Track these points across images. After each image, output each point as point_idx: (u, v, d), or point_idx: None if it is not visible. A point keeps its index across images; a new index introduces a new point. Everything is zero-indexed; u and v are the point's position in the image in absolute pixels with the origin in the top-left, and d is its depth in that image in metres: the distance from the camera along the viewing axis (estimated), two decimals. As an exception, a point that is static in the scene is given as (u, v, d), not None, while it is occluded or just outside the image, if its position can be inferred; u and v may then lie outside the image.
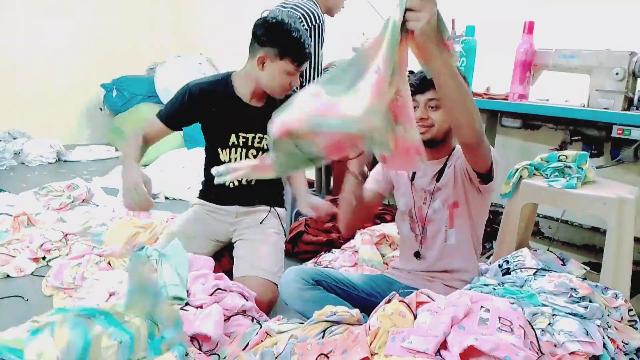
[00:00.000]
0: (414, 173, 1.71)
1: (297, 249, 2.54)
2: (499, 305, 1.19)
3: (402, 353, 1.14)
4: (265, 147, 2.03)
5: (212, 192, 2.13)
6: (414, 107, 1.59)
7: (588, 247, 2.55)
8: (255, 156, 2.04)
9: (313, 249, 2.50)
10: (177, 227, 2.11)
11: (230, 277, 1.88)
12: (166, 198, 3.45)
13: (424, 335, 1.15)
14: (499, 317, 1.16)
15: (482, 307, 1.18)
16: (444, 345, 1.13)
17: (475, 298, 1.22)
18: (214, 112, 2.00)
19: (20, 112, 4.80)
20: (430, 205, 1.68)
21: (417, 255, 1.73)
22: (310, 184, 3.65)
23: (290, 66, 1.86)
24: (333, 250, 2.43)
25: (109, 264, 2.13)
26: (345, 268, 2.18)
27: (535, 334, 1.23)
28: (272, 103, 1.96)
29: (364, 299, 1.72)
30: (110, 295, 1.60)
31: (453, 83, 1.19)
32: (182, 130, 2.16)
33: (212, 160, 2.08)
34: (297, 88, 2.70)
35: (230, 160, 2.05)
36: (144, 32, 5.47)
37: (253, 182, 2.08)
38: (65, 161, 4.49)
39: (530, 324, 1.26)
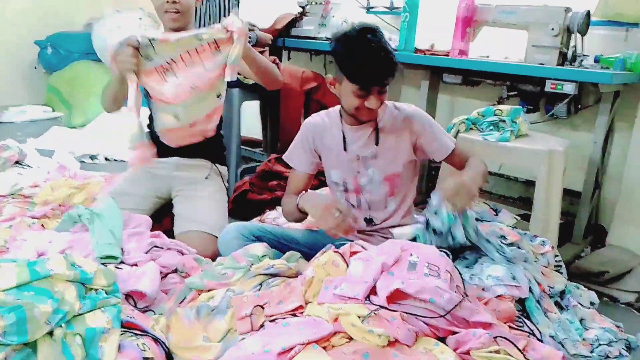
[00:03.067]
0: (345, 137, 1.68)
1: (242, 208, 2.53)
2: (427, 252, 1.22)
3: (333, 300, 1.16)
4: None
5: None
6: (361, 95, 1.52)
7: (523, 199, 2.66)
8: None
9: (257, 207, 2.49)
10: (118, 185, 2.06)
11: (174, 236, 1.86)
12: (106, 159, 3.34)
13: (355, 282, 1.17)
14: (427, 263, 1.19)
15: (411, 254, 1.21)
16: (373, 291, 1.15)
17: (405, 247, 1.25)
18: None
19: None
20: (366, 174, 1.68)
21: (367, 220, 1.74)
22: (258, 143, 3.61)
23: None
24: (277, 207, 2.42)
25: (42, 226, 2.04)
26: (288, 225, 2.18)
27: (462, 279, 1.28)
28: None
29: (306, 253, 1.73)
30: (39, 255, 1.54)
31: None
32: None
33: (151, 109, 2.03)
34: None
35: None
36: (79, -15, 5.14)
37: None
38: (-2, 122, 4.24)
39: (457, 269, 1.30)
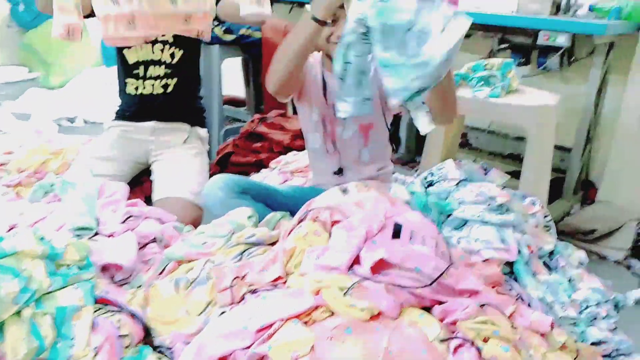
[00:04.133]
0: (325, 84, 1.60)
1: (226, 170, 2.46)
2: (411, 219, 1.17)
3: (316, 270, 1.11)
4: (169, 38, 1.89)
5: (127, 109, 2.00)
6: (332, 21, 1.43)
7: (513, 156, 2.61)
8: (161, 51, 1.90)
9: (242, 170, 2.42)
10: (91, 151, 1.98)
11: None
12: (85, 122, 3.23)
13: (338, 251, 1.12)
14: (412, 230, 1.14)
15: (395, 222, 1.16)
16: (357, 260, 1.11)
17: (389, 213, 1.20)
18: None
19: None
20: (341, 122, 1.61)
21: (335, 172, 1.68)
22: (242, 103, 3.51)
23: None
24: (262, 170, 2.36)
25: (17, 194, 1.97)
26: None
27: (448, 244, 1.23)
28: None
29: (293, 207, 1.67)
30: (10, 229, 1.48)
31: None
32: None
33: (122, 68, 1.95)
34: None
35: (137, 59, 1.90)
36: None
37: (170, 92, 1.95)
38: (-29, 85, 4.09)
39: (441, 235, 1.26)
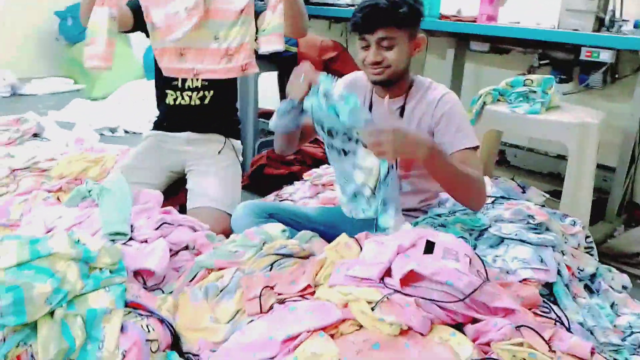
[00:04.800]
0: (371, 109, 1.57)
1: (259, 183, 2.48)
2: (444, 239, 1.13)
3: (345, 282, 1.09)
4: None
5: (164, 119, 2.05)
6: (365, 47, 1.45)
7: (553, 175, 2.53)
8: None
9: (274, 182, 2.43)
10: (129, 159, 2.04)
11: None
12: (125, 132, 3.31)
13: (369, 264, 1.10)
14: (445, 248, 1.11)
15: (428, 239, 1.13)
16: (388, 273, 1.08)
17: (422, 233, 1.17)
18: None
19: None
20: None
21: None
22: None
23: None
24: (295, 182, 2.36)
25: (58, 199, 2.03)
26: (304, 200, 2.12)
27: (484, 264, 1.19)
28: None
29: (321, 232, 1.66)
30: (48, 231, 1.52)
31: (457, 184, 1.35)
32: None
33: (160, 79, 2.01)
34: None
35: (178, 88, 1.96)
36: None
37: (206, 103, 1.99)
38: (20, 95, 4.26)
39: (478, 255, 1.22)
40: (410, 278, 1.03)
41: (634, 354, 1.38)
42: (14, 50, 4.69)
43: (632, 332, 1.44)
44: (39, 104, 3.89)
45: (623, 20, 2.06)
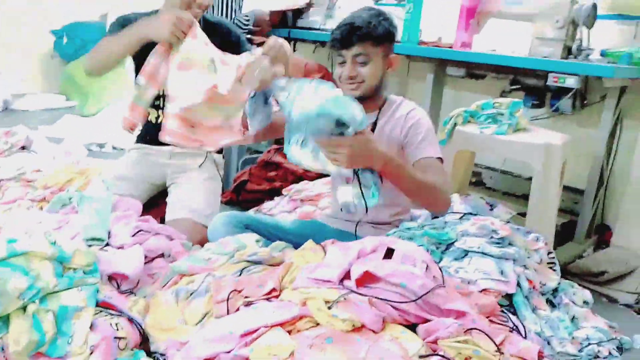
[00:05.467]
0: None
1: (241, 197, 2.54)
2: (404, 246, 1.20)
3: (308, 284, 1.15)
4: None
5: (147, 132, 2.10)
6: (341, 63, 1.56)
7: (526, 196, 2.60)
8: None
9: (256, 197, 2.49)
10: (112, 171, 2.09)
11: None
12: (114, 148, 3.37)
13: (331, 266, 1.16)
14: (404, 255, 1.17)
15: (388, 247, 1.20)
16: (348, 276, 1.14)
17: (384, 241, 1.23)
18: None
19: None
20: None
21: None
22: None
23: None
24: (275, 198, 2.42)
25: (41, 209, 2.07)
26: (283, 214, 2.18)
27: (442, 272, 1.25)
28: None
29: (295, 243, 1.72)
30: (28, 235, 1.57)
31: (417, 190, 1.42)
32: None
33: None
34: (242, 22, 2.63)
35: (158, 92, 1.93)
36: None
37: None
38: (12, 110, 4.33)
39: (438, 262, 1.28)
40: (367, 279, 1.09)
41: (589, 364, 1.44)
42: (9, 68, 4.77)
43: (589, 344, 1.50)
44: (32, 119, 3.95)
45: (589, 49, 2.17)
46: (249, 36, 2.80)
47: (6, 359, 1.04)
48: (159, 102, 2.02)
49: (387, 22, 1.55)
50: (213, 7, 2.75)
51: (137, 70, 1.98)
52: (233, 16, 2.60)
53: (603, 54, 2.16)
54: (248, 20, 2.82)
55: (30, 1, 4.83)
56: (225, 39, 1.94)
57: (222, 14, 2.71)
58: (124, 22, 1.92)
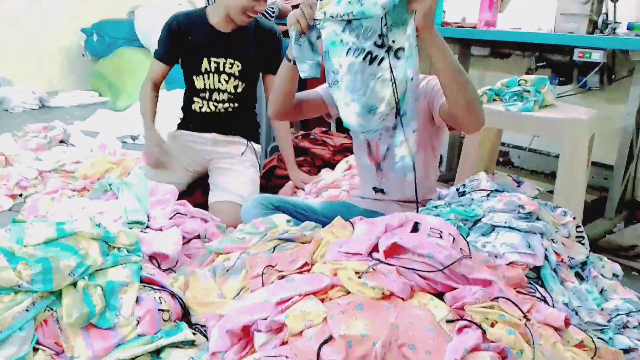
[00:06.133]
0: None
1: (270, 183, 2.60)
2: (430, 220, 1.23)
3: (338, 257, 1.20)
4: (236, 73, 2.11)
5: (190, 120, 2.21)
6: None
7: (554, 175, 2.59)
8: (227, 82, 2.13)
9: (286, 182, 2.54)
10: (154, 159, 2.19)
11: (206, 209, 1.95)
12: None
13: (359, 240, 1.21)
14: (430, 228, 1.21)
15: (415, 221, 1.23)
16: (376, 248, 1.18)
17: (410, 216, 1.27)
18: (189, 40, 2.11)
19: (1, 60, 4.76)
20: (389, 142, 1.67)
21: (376, 189, 1.75)
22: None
23: None
24: (298, 192, 2.46)
25: (82, 197, 2.18)
26: (308, 197, 2.23)
27: (469, 245, 1.28)
28: (241, 29, 2.07)
29: (324, 223, 1.77)
30: (73, 220, 1.66)
31: (453, 67, 1.28)
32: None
33: (189, 89, 2.20)
34: (269, 13, 2.72)
35: (204, 86, 2.14)
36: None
37: (230, 111, 2.16)
38: (49, 107, 4.49)
39: (465, 237, 1.31)
40: (395, 251, 1.13)
41: (618, 334, 1.45)
42: (43, 66, 4.95)
43: (618, 314, 1.51)
44: (66, 115, 4.10)
45: (616, 23, 2.14)
46: None
47: (60, 330, 1.13)
48: (204, 94, 2.14)
49: None
50: None
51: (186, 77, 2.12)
52: None
53: (630, 27, 2.13)
54: (273, 11, 2.90)
55: (60, 0, 4.98)
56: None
57: None
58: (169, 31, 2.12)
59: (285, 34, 2.85)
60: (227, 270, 1.41)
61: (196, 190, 2.29)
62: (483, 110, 1.40)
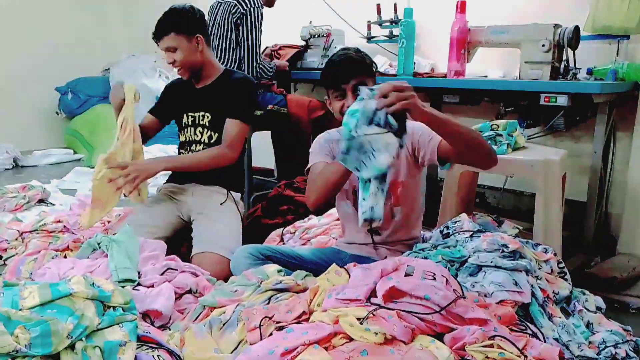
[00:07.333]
0: None
1: (256, 233, 2.61)
2: (424, 263, 1.28)
3: (336, 305, 1.22)
4: (206, 123, 2.25)
5: (175, 173, 2.33)
6: (339, 97, 1.66)
7: (531, 212, 2.69)
8: (201, 133, 2.27)
9: (271, 230, 2.56)
10: (135, 217, 2.21)
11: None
12: (124, 196, 3.45)
13: (356, 285, 1.23)
14: (423, 271, 1.25)
15: (408, 265, 1.28)
16: (374, 293, 1.21)
17: (403, 260, 1.31)
18: (174, 98, 2.32)
19: (-28, 119, 4.72)
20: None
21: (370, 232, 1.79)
22: (269, 172, 3.73)
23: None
24: (285, 239, 2.48)
25: (65, 257, 2.14)
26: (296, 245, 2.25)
27: (461, 285, 1.32)
28: (214, 83, 2.23)
29: (313, 270, 1.79)
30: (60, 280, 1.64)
31: (466, 136, 1.42)
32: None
33: (179, 144, 2.37)
34: (266, 70, 2.84)
35: (185, 139, 2.30)
36: (96, 33, 5.41)
37: None
38: (22, 166, 4.44)
39: (455, 278, 1.35)
40: (393, 295, 1.16)
41: (608, 366, 1.49)
42: (16, 125, 4.91)
43: (606, 346, 1.55)
44: (42, 174, 4.06)
45: (577, 69, 2.29)
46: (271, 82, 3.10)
47: (60, 395, 1.11)
48: (184, 148, 2.27)
49: (367, 55, 1.71)
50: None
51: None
52: (258, 61, 2.83)
53: (589, 72, 2.28)
54: (271, 68, 3.02)
55: (34, 59, 5.01)
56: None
57: (250, 57, 2.89)
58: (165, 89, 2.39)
59: (266, 87, 2.93)
60: (224, 324, 1.40)
61: (182, 245, 2.29)
62: (492, 149, 1.52)
